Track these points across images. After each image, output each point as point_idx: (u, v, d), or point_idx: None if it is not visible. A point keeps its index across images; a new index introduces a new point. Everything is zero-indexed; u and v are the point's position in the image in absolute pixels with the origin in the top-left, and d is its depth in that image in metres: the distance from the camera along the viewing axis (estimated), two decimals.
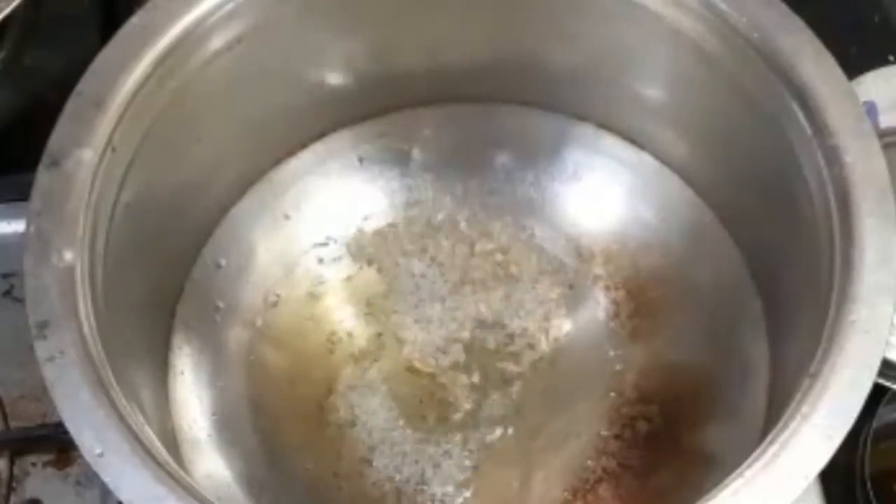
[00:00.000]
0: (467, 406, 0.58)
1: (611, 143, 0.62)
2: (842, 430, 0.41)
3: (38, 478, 0.56)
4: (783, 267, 0.54)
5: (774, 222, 0.54)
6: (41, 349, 0.42)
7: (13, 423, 0.57)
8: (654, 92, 0.58)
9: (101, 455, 0.41)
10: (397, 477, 0.56)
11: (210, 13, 0.50)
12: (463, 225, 0.63)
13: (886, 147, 0.48)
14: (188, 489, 0.41)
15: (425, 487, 0.56)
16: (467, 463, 0.57)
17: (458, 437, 0.57)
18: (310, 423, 0.57)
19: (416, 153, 0.63)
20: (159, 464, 0.41)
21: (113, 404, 0.42)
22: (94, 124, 0.47)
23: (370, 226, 0.62)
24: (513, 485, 0.56)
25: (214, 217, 0.59)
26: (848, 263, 0.44)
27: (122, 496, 0.40)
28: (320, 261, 0.61)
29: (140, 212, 0.50)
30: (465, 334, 0.60)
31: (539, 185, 0.63)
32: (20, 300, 0.59)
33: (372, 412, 0.58)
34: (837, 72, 0.48)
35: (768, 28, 0.49)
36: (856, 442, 0.53)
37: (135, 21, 0.49)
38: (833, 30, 0.50)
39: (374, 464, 0.56)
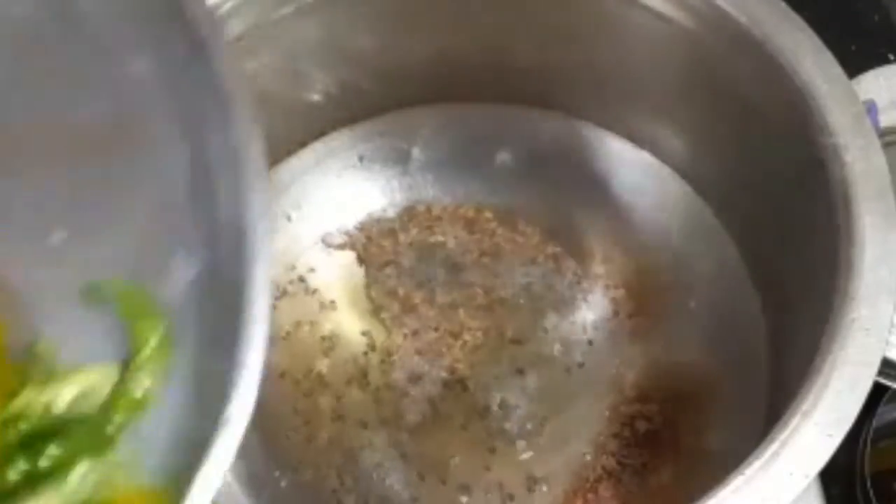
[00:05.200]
0: (466, 407, 0.58)
1: (611, 142, 0.62)
2: (842, 428, 0.41)
3: None
4: (783, 265, 0.54)
5: (774, 221, 0.54)
6: None
7: None
8: (653, 91, 0.58)
9: None
10: (397, 476, 0.56)
11: None
12: (463, 224, 0.63)
13: (886, 146, 0.48)
14: None
15: (426, 486, 0.56)
16: (468, 462, 0.57)
17: (457, 437, 0.57)
18: (309, 421, 0.57)
19: (417, 152, 0.63)
20: None
21: None
22: None
23: (370, 225, 0.62)
24: (513, 483, 0.56)
25: None
26: (848, 262, 0.44)
27: None
28: (320, 259, 0.61)
29: None
30: (464, 334, 0.60)
31: (539, 184, 0.63)
32: None
33: (371, 411, 0.58)
34: (837, 70, 0.48)
35: (768, 27, 0.49)
36: (856, 441, 0.53)
37: None
38: (833, 29, 0.50)
39: (374, 462, 0.56)
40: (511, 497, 0.56)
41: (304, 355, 0.59)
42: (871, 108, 0.60)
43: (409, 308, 0.60)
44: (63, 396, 0.31)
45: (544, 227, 0.62)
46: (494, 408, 0.58)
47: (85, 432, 0.30)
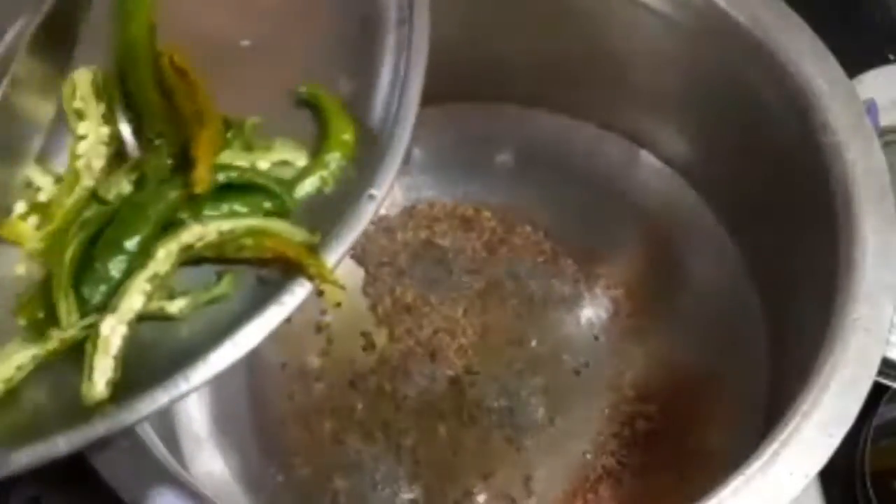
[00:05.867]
0: (464, 406, 0.58)
1: (611, 142, 0.62)
2: (842, 428, 0.41)
3: (37, 475, 0.56)
4: (783, 266, 0.54)
5: (774, 221, 0.54)
6: None
7: None
8: (654, 91, 0.58)
9: (101, 452, 0.41)
10: (393, 474, 0.56)
11: None
12: (461, 224, 0.63)
13: (886, 145, 0.48)
14: (187, 486, 0.41)
15: (423, 484, 0.56)
16: (466, 462, 0.56)
17: (455, 437, 0.57)
18: (307, 419, 0.57)
19: (416, 153, 0.63)
20: (159, 461, 0.41)
21: None
22: None
23: (369, 224, 0.62)
24: (513, 483, 0.56)
25: None
26: (848, 262, 0.44)
27: (121, 493, 0.40)
28: None
29: None
30: (462, 333, 0.60)
31: (539, 184, 0.63)
32: None
33: (368, 409, 0.58)
34: (838, 70, 0.48)
35: (769, 27, 0.49)
36: (856, 440, 0.53)
37: None
38: (833, 29, 0.50)
39: (371, 460, 0.56)
40: (510, 496, 0.56)
41: (302, 354, 0.59)
42: (871, 108, 0.60)
43: (407, 307, 0.60)
44: (263, 162, 0.39)
45: (543, 227, 0.62)
46: (492, 407, 0.58)
47: (276, 192, 0.38)
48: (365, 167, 0.38)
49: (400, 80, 0.40)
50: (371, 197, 0.37)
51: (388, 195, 0.38)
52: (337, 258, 0.36)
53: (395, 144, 0.39)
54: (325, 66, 0.41)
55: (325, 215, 0.38)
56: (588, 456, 0.56)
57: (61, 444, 0.33)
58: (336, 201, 0.38)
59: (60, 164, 0.39)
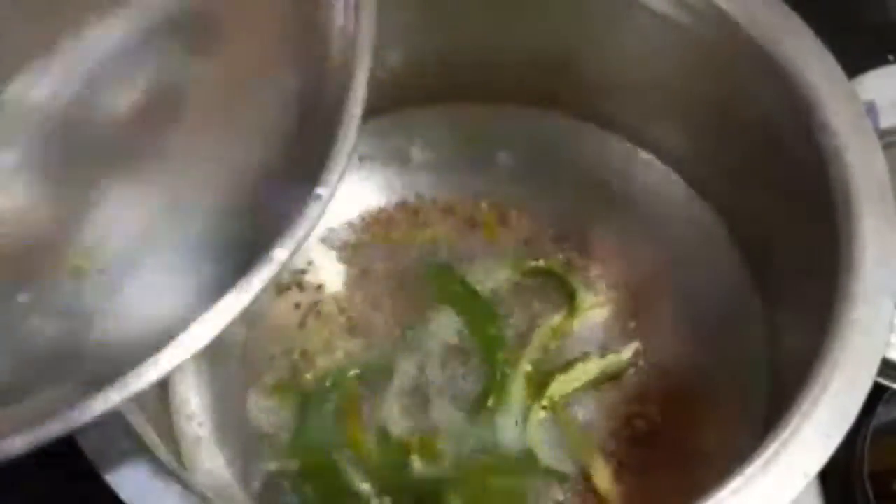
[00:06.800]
0: (466, 404, 0.58)
1: (611, 142, 0.62)
2: (841, 428, 0.41)
3: (36, 475, 0.56)
4: (783, 266, 0.54)
5: (775, 222, 0.54)
6: None
7: None
8: (654, 91, 0.58)
9: (101, 452, 0.41)
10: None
11: None
12: (462, 223, 0.63)
13: (886, 147, 0.48)
14: (187, 486, 0.41)
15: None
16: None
17: (456, 437, 0.57)
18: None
19: (416, 152, 0.63)
20: (159, 461, 0.41)
21: None
22: None
23: (368, 223, 0.62)
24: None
25: None
26: (848, 262, 0.44)
27: (121, 493, 0.40)
28: (317, 257, 0.61)
29: None
30: (462, 333, 0.60)
31: (538, 184, 0.63)
32: None
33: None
34: (838, 71, 0.48)
35: (769, 27, 0.49)
36: (855, 440, 0.53)
37: None
38: (833, 29, 0.50)
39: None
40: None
41: (297, 348, 0.59)
42: (871, 109, 0.60)
43: (404, 305, 0.60)
44: None
45: (542, 227, 0.62)
46: (489, 407, 0.58)
47: None
48: (311, 164, 0.38)
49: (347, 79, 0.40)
50: (317, 197, 0.37)
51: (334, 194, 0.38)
52: (284, 259, 0.36)
53: (341, 142, 0.38)
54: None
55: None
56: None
57: None
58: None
59: None
